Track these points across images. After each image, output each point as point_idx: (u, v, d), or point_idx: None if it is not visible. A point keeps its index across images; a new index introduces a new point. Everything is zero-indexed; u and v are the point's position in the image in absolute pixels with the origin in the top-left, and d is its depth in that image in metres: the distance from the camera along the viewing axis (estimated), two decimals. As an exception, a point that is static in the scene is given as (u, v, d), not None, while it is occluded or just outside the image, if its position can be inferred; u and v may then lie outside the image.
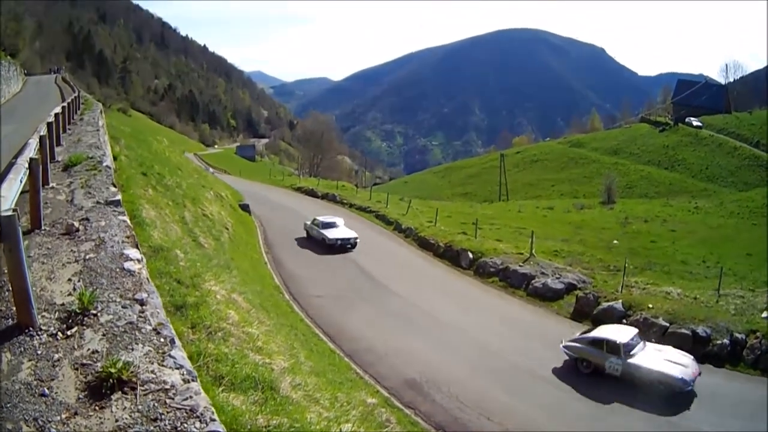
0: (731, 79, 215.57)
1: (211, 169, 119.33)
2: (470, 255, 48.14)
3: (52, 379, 7.72)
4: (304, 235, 58.47)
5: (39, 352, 8.33)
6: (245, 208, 64.99)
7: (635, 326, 32.91)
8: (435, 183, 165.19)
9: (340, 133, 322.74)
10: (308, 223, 58.50)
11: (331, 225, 56.26)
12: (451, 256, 50.30)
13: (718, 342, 30.46)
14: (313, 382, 16.37)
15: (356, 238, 54.37)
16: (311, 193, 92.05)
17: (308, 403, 13.61)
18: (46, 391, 7.45)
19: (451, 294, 41.26)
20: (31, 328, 8.87)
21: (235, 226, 50.43)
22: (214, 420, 7.22)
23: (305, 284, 42.86)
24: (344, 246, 53.52)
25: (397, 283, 43.17)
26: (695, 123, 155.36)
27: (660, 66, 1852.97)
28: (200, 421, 7.12)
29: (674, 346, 30.83)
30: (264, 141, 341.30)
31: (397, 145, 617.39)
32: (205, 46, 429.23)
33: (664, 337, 31.89)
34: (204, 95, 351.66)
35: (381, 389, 26.92)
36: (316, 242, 55.40)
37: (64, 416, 7.01)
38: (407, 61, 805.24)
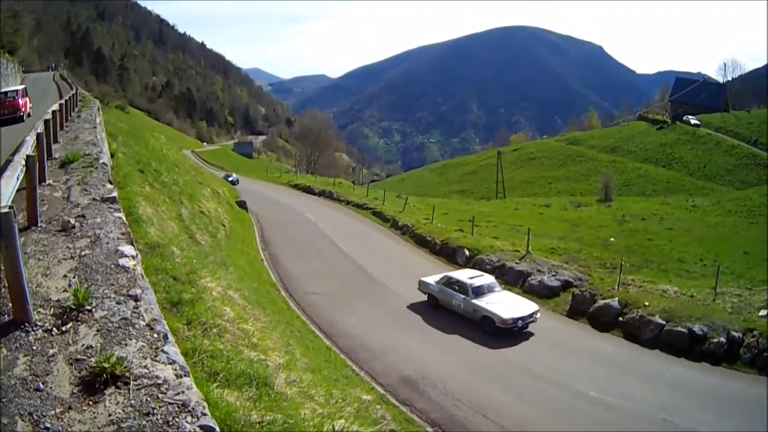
0: (729, 78, 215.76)
1: (234, 176, 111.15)
2: (467, 252, 48.06)
3: (47, 374, 7.84)
4: (414, 296, 39.40)
5: (34, 348, 8.47)
6: (242, 205, 64.59)
7: (632, 324, 33.13)
8: (432, 180, 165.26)
9: (337, 130, 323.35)
10: (433, 282, 38.14)
11: (487, 288, 36.22)
12: (447, 253, 50.05)
13: (715, 340, 30.26)
14: (308, 378, 16.43)
15: (537, 311, 34.30)
16: (308, 190, 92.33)
17: (303, 399, 13.68)
18: (41, 386, 7.57)
19: (448, 291, 41.04)
20: (26, 324, 9.02)
21: (232, 223, 50.30)
22: (205, 414, 7.33)
23: (301, 281, 42.74)
24: (522, 329, 33.57)
25: (393, 280, 43.23)
26: (693, 121, 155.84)
27: (658, 64, 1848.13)
28: (192, 415, 7.24)
29: (670, 345, 31.00)
30: (261, 138, 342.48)
31: (394, 143, 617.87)
32: (203, 43, 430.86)
33: (660, 335, 31.90)
34: (201, 92, 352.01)
35: (377, 386, 26.85)
36: (458, 317, 35.86)
37: (58, 411, 7.13)
38: (405, 58, 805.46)
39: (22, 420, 6.87)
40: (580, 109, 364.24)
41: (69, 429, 6.86)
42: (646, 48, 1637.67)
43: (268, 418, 10.09)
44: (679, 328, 31.27)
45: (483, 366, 29.53)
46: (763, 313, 32.39)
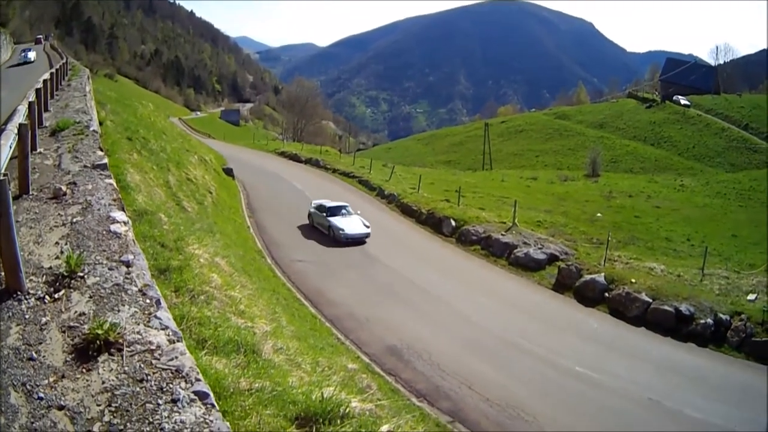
0: (721, 62, 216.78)
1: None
2: (452, 222, 47.88)
3: (40, 343, 7.85)
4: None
5: (27, 316, 8.47)
6: (229, 172, 64.54)
7: (618, 301, 33.26)
8: (419, 150, 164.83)
9: (324, 98, 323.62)
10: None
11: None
12: (433, 223, 49.93)
13: (702, 321, 30.08)
14: (294, 346, 16.45)
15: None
16: (295, 158, 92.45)
17: (290, 367, 13.68)
18: (34, 355, 7.57)
19: (433, 261, 41.38)
20: (19, 293, 9.01)
21: (219, 191, 50.30)
22: (199, 380, 7.34)
23: (287, 249, 42.77)
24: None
25: (378, 249, 43.16)
26: (683, 101, 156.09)
27: (649, 44, 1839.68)
28: (186, 381, 7.26)
29: (656, 323, 31.11)
30: (248, 106, 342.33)
31: (381, 112, 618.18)
32: (192, 11, 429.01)
33: (646, 312, 31.98)
34: (190, 60, 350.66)
35: (362, 355, 26.85)
36: None
37: (51, 380, 7.12)
38: (394, 28, 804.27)
39: (16, 390, 6.84)
40: (568, 85, 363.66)
41: (62, 398, 6.84)
42: (637, 27, 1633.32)
43: (257, 385, 10.07)
44: (666, 307, 31.24)
45: (469, 338, 29.43)
46: (751, 297, 32.44)
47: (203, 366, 9.57)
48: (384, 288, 36.07)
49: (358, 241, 44.47)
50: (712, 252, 42.17)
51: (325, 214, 46.42)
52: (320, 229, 46.90)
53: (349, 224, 45.39)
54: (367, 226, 45.29)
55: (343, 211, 47.31)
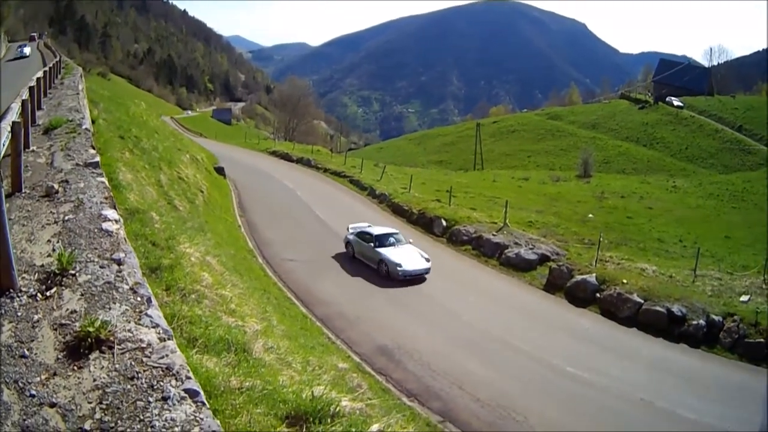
0: (715, 63, 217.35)
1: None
2: (443, 222, 47.96)
3: (32, 341, 7.88)
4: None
5: (19, 314, 8.52)
6: (220, 171, 64.46)
7: (609, 301, 33.26)
8: (410, 150, 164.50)
9: (316, 98, 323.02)
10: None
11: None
12: (424, 222, 50.04)
13: (694, 322, 30.11)
14: (285, 345, 16.45)
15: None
16: (286, 157, 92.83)
17: (280, 366, 13.69)
18: (26, 352, 7.60)
19: (424, 261, 41.15)
20: (11, 290, 9.04)
21: (210, 189, 50.18)
22: (189, 378, 7.37)
23: (278, 248, 42.83)
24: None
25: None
26: (676, 103, 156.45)
27: (642, 44, 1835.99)
28: (176, 379, 7.30)
29: (648, 324, 31.13)
30: (240, 105, 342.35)
31: (373, 112, 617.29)
32: (185, 11, 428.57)
33: (638, 313, 31.94)
34: (182, 59, 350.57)
35: (352, 354, 26.90)
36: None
37: (43, 377, 7.15)
38: (387, 28, 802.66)
39: (8, 388, 6.89)
40: (561, 85, 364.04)
41: (54, 395, 6.89)
42: (630, 28, 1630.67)
43: (248, 384, 10.09)
44: (658, 308, 31.20)
45: (461, 338, 29.51)
46: (744, 298, 32.32)
47: (194, 364, 9.59)
48: (375, 287, 36.26)
49: (417, 278, 37.24)
50: (705, 253, 42.02)
51: (372, 245, 39.18)
52: (365, 261, 39.76)
53: (406, 258, 37.80)
54: (427, 260, 38.47)
55: (392, 239, 40.23)
